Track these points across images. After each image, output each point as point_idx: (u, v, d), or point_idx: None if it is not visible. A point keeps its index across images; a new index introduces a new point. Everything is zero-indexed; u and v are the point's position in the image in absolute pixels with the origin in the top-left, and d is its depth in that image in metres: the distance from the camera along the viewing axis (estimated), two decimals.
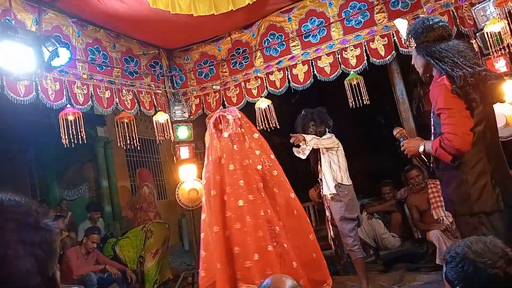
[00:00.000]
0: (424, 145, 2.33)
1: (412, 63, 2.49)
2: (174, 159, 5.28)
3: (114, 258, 5.36)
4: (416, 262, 4.72)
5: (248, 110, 5.06)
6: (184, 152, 5.20)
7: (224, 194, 2.75)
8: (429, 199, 4.65)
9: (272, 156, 2.97)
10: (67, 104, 3.97)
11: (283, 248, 2.70)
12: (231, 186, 2.73)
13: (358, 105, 4.56)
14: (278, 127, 4.96)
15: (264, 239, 2.64)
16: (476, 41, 3.99)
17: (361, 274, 3.96)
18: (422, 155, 2.39)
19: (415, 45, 2.35)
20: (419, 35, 2.32)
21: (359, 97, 4.55)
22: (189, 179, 5.08)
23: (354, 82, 4.60)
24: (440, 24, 2.31)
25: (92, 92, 4.30)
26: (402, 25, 2.56)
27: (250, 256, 2.56)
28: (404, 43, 2.51)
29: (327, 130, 4.24)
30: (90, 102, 4.26)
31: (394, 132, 2.64)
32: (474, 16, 3.97)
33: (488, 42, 3.83)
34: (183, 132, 5.24)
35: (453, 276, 1.31)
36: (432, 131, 2.39)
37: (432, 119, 2.37)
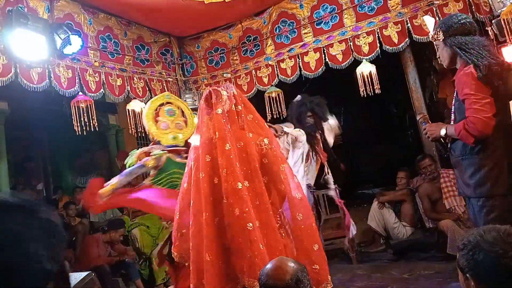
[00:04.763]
0: (446, 129, 2.49)
1: (438, 55, 2.69)
2: None
3: (125, 240, 5.44)
4: (427, 251, 4.69)
5: (259, 98, 5.09)
6: (195, 140, 5.20)
7: (215, 177, 2.43)
8: (441, 188, 4.61)
9: (266, 141, 2.54)
10: (79, 92, 4.00)
11: (288, 239, 2.41)
12: (227, 168, 2.38)
13: (370, 94, 4.51)
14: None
15: (269, 226, 2.36)
16: (491, 28, 3.91)
17: None
18: (442, 139, 2.55)
19: (443, 37, 2.52)
20: (449, 28, 2.50)
21: (371, 86, 4.50)
22: None
23: (367, 71, 4.54)
24: (467, 20, 2.52)
25: (104, 79, 4.33)
26: (430, 21, 2.78)
27: (254, 246, 2.25)
28: (432, 37, 2.64)
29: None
30: (102, 89, 4.29)
31: (418, 117, 2.84)
32: (490, 3, 3.88)
33: (504, 29, 3.75)
34: (194, 120, 5.25)
35: (464, 264, 1.31)
36: (452, 117, 2.55)
37: (453, 106, 2.54)
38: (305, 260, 2.35)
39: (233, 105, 2.56)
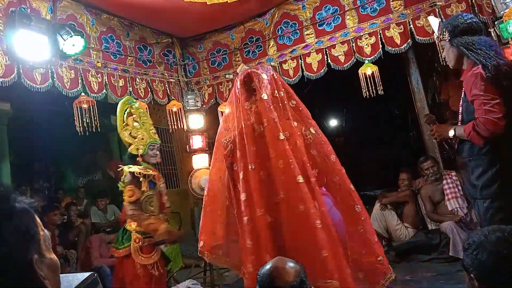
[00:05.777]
0: (454, 130, 2.48)
1: (443, 56, 2.67)
2: (187, 148, 5.31)
3: None
4: (429, 253, 4.68)
5: None
6: (197, 141, 5.23)
7: (262, 170, 2.22)
8: (443, 190, 4.60)
9: (313, 130, 2.34)
10: (81, 93, 4.01)
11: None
12: (284, 160, 2.16)
13: (372, 95, 4.50)
14: None
15: (329, 224, 2.18)
16: (494, 30, 3.90)
17: None
18: (449, 140, 2.57)
19: (449, 38, 2.51)
20: (454, 28, 2.49)
21: (374, 87, 4.49)
22: (201, 168, 5.10)
23: (369, 72, 4.53)
24: (473, 20, 2.52)
25: (106, 80, 4.33)
26: (434, 21, 2.80)
27: (322, 246, 2.05)
28: (437, 37, 2.63)
29: None
30: (104, 90, 4.29)
31: (424, 118, 2.80)
32: (493, 4, 3.86)
33: (507, 30, 3.74)
34: (196, 121, 5.26)
35: (468, 263, 1.31)
36: (459, 118, 2.54)
37: (461, 107, 2.52)
38: (370, 252, 2.29)
39: (276, 91, 2.31)
